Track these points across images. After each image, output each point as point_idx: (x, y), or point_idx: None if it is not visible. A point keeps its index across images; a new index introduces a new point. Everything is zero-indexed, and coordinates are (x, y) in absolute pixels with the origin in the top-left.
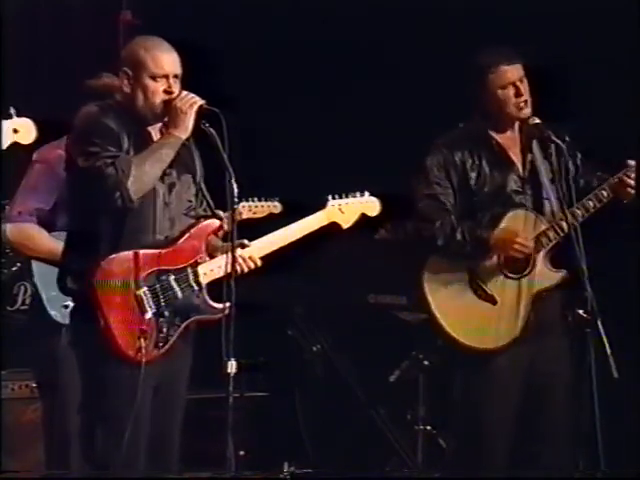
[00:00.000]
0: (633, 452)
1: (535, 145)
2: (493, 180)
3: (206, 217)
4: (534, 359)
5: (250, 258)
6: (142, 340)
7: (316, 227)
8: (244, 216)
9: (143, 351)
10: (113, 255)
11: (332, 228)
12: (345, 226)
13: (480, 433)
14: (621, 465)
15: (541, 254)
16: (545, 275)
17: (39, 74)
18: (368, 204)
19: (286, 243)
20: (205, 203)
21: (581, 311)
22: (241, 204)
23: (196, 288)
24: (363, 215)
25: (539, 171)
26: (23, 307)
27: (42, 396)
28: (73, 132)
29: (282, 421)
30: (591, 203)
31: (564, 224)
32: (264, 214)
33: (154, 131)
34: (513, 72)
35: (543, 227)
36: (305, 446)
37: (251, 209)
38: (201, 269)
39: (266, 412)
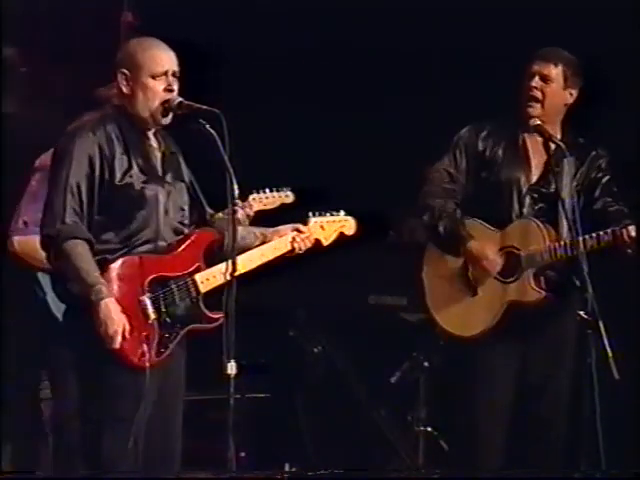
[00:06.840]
0: (633, 452)
1: (563, 158)
2: (503, 177)
3: (198, 226)
4: (526, 359)
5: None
6: (145, 345)
7: None
8: (255, 208)
9: (147, 356)
10: (120, 260)
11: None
12: (325, 243)
13: (475, 427)
14: (621, 465)
15: (530, 270)
16: (525, 290)
17: (39, 76)
18: (345, 222)
19: (270, 258)
20: (198, 211)
21: (582, 312)
22: (251, 196)
23: (194, 296)
24: (341, 234)
25: (552, 183)
26: None
27: (53, 396)
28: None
29: (283, 422)
30: (590, 243)
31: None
32: (275, 205)
33: (151, 133)
34: (543, 67)
35: (543, 244)
36: (306, 447)
37: (261, 200)
38: (199, 277)
39: (267, 413)
